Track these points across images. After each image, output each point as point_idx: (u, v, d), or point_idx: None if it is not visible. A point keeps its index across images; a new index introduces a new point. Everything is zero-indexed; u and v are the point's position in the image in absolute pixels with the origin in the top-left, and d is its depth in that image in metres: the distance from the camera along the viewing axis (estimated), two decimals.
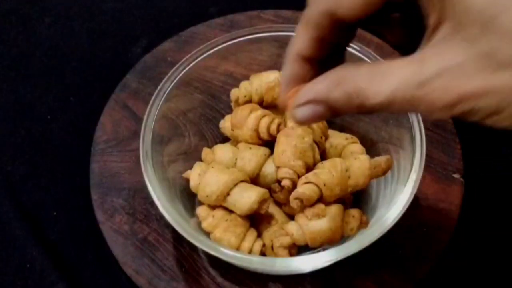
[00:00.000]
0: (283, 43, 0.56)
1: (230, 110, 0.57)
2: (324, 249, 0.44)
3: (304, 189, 0.45)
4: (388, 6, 0.30)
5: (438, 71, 0.25)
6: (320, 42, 0.32)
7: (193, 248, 0.53)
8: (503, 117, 0.25)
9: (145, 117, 0.49)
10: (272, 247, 0.48)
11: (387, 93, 0.27)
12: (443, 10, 0.26)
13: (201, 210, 0.49)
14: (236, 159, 0.51)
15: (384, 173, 0.48)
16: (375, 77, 0.28)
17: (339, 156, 0.53)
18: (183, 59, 0.53)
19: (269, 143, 0.51)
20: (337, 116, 0.31)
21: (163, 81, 0.51)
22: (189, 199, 0.52)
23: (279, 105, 0.35)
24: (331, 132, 0.55)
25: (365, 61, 0.36)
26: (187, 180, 0.49)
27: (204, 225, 0.48)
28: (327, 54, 0.34)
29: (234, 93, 0.55)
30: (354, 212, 0.46)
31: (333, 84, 0.30)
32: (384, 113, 0.30)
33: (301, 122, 0.32)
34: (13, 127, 0.66)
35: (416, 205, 0.55)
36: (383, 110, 0.28)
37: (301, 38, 0.33)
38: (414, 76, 0.26)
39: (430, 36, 0.27)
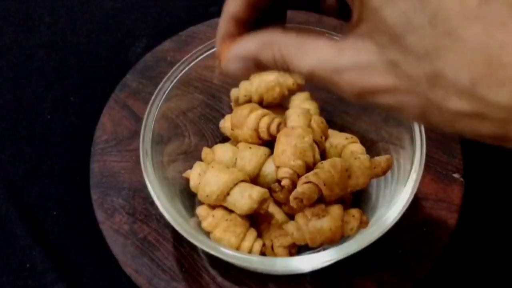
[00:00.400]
0: None
1: (230, 110, 0.57)
2: (324, 249, 0.44)
3: (304, 189, 0.45)
4: None
5: (351, 64, 0.29)
6: (251, 6, 0.35)
7: (193, 248, 0.53)
8: (404, 116, 0.29)
9: (145, 116, 0.49)
10: (272, 247, 0.48)
11: (308, 68, 0.30)
12: (363, 12, 0.28)
13: (201, 210, 0.49)
14: (236, 158, 0.51)
15: (384, 172, 0.48)
16: (299, 49, 0.31)
17: (339, 155, 0.53)
18: (183, 59, 0.52)
19: (269, 143, 0.51)
20: (264, 71, 0.35)
21: (163, 80, 0.51)
22: (189, 198, 0.52)
23: (216, 57, 0.38)
24: (331, 131, 0.55)
25: (291, 28, 0.38)
26: (187, 180, 0.49)
27: (204, 224, 0.48)
28: (261, 16, 0.36)
29: (234, 92, 0.55)
30: (354, 212, 0.46)
31: (262, 46, 0.33)
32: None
33: (233, 75, 0.36)
34: (13, 127, 0.66)
35: (416, 204, 0.55)
36: (307, 79, 0.31)
37: (234, 1, 0.35)
38: (332, 61, 0.29)
39: (352, 29, 0.30)
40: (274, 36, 0.32)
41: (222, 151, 0.52)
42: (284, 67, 0.32)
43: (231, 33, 0.36)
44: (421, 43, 0.26)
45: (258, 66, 0.33)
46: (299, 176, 0.47)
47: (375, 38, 0.28)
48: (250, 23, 0.36)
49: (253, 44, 0.33)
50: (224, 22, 0.36)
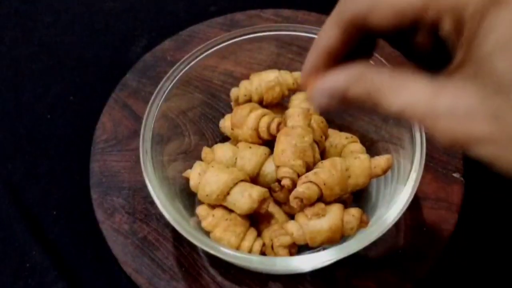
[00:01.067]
0: (283, 42, 0.56)
1: (230, 110, 0.57)
2: (324, 249, 0.44)
3: (304, 189, 0.45)
4: (415, 30, 0.31)
5: (448, 109, 0.27)
6: (347, 42, 0.33)
7: (193, 247, 0.53)
8: (499, 166, 0.27)
9: (145, 116, 0.49)
10: (272, 247, 0.48)
11: (399, 105, 0.28)
12: (470, 55, 0.27)
13: (201, 210, 0.49)
14: (236, 158, 0.51)
15: (384, 172, 0.48)
16: (393, 84, 0.29)
17: (339, 155, 0.53)
18: (183, 58, 0.52)
19: (269, 143, 0.51)
20: (351, 107, 0.33)
21: (163, 80, 0.51)
22: (189, 198, 0.52)
23: (301, 87, 0.37)
24: (331, 131, 0.55)
25: (385, 65, 0.37)
26: (187, 180, 0.49)
27: (204, 224, 0.48)
28: (351, 51, 0.35)
29: (234, 92, 0.55)
30: (354, 211, 0.46)
31: (353, 78, 0.31)
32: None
33: (320, 109, 0.35)
34: (13, 126, 0.66)
35: (416, 204, 0.55)
36: (394, 117, 0.29)
37: (329, 33, 0.34)
38: (427, 103, 0.27)
39: (453, 71, 0.28)
40: (367, 70, 0.31)
41: (222, 150, 0.52)
42: (373, 103, 0.30)
43: (320, 66, 0.35)
44: None
45: (345, 102, 0.32)
46: (299, 176, 0.47)
47: (480, 85, 0.26)
48: (341, 57, 0.34)
49: (344, 77, 0.32)
50: (316, 54, 0.35)
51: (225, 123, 0.55)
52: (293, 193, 0.45)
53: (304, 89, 0.36)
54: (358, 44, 0.34)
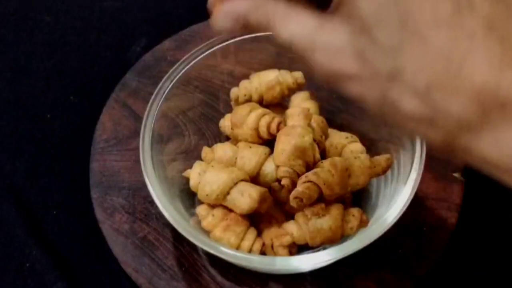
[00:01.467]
0: None
1: (230, 109, 0.57)
2: (324, 248, 0.44)
3: (304, 188, 0.45)
4: None
5: (324, 43, 0.29)
6: None
7: (193, 247, 0.53)
8: (366, 106, 0.29)
9: (145, 116, 0.49)
10: (272, 246, 0.48)
11: (287, 35, 0.31)
12: None
13: (201, 209, 0.49)
14: (236, 158, 0.51)
15: (384, 172, 0.48)
16: (285, 15, 0.31)
17: (339, 155, 0.53)
18: (183, 58, 0.52)
19: (269, 142, 0.51)
20: (253, 31, 0.36)
21: (163, 80, 0.51)
22: (189, 198, 0.52)
23: (208, 7, 0.38)
24: (331, 131, 0.55)
25: None
26: (187, 179, 0.49)
27: (204, 224, 0.48)
28: None
29: (234, 92, 0.55)
30: (354, 211, 0.46)
31: (252, 6, 0.33)
32: None
33: (220, 31, 0.36)
34: (13, 126, 0.66)
35: (416, 204, 0.54)
36: (287, 47, 0.31)
37: None
38: (309, 35, 0.30)
39: (334, 10, 0.30)
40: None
41: (222, 150, 0.52)
42: (268, 30, 0.32)
43: None
44: (388, 38, 0.26)
45: (246, 26, 0.34)
46: (299, 176, 0.47)
47: (350, 24, 0.28)
48: None
49: (245, 3, 0.34)
50: None
51: (225, 123, 0.55)
52: (293, 192, 0.45)
53: (210, 11, 0.37)
54: None
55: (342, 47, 0.28)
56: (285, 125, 0.50)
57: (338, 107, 0.59)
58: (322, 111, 0.56)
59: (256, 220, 0.50)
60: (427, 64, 0.26)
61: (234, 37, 0.54)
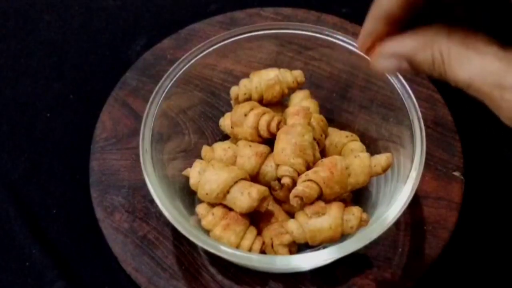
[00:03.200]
0: (283, 40, 0.56)
1: (230, 108, 0.57)
2: (324, 247, 0.44)
3: (304, 187, 0.45)
4: None
5: None
6: (409, 4, 0.32)
7: (193, 246, 0.53)
8: None
9: (144, 114, 0.49)
10: (272, 245, 0.48)
11: (466, 77, 0.28)
12: None
13: (200, 208, 0.49)
14: (236, 157, 0.50)
15: (384, 171, 0.48)
16: (462, 54, 0.28)
17: (339, 154, 0.53)
18: (183, 57, 0.52)
19: (269, 141, 0.51)
20: (417, 74, 0.32)
21: (163, 78, 0.51)
22: (188, 197, 0.52)
23: (359, 49, 0.36)
24: (331, 129, 0.55)
25: (457, 28, 0.35)
26: (187, 178, 0.49)
27: (204, 223, 0.48)
28: (411, 17, 0.33)
29: (234, 90, 0.55)
30: (354, 210, 0.46)
31: (420, 45, 0.30)
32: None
33: (381, 71, 0.34)
34: (12, 125, 0.66)
35: (416, 203, 0.55)
36: (460, 88, 0.29)
37: None
38: (498, 75, 0.27)
39: None
40: (438, 36, 0.30)
41: (222, 149, 0.52)
42: (440, 72, 0.30)
43: (380, 31, 0.33)
44: None
45: (412, 66, 0.31)
46: (299, 174, 0.47)
47: None
48: (402, 23, 0.33)
49: (412, 42, 0.31)
50: (374, 19, 0.33)
51: (225, 122, 0.54)
52: (293, 191, 0.45)
53: (362, 51, 0.35)
54: (422, 11, 0.33)
55: None
56: (285, 124, 0.50)
57: (338, 106, 0.59)
58: (322, 110, 0.56)
59: (256, 219, 0.50)
60: None
61: (234, 36, 0.54)
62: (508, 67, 0.27)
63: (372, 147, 0.54)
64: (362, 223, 0.46)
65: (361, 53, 0.37)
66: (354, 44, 0.52)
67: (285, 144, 0.47)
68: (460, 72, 0.28)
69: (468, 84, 0.28)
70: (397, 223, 0.43)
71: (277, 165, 0.48)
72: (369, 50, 0.35)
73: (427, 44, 0.30)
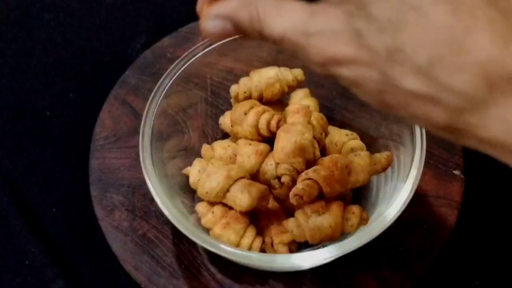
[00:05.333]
0: None
1: (230, 107, 0.57)
2: (324, 246, 0.44)
3: (304, 186, 0.45)
4: None
5: (319, 29, 0.28)
6: None
7: (193, 244, 0.53)
8: (362, 93, 0.29)
9: (144, 113, 0.49)
10: (272, 244, 0.48)
11: (279, 30, 0.30)
12: None
13: (200, 207, 0.49)
14: (235, 155, 0.50)
15: (384, 169, 0.48)
16: (275, 10, 0.30)
17: (339, 152, 0.53)
18: (183, 55, 0.52)
19: (269, 140, 0.51)
20: (244, 37, 0.34)
21: (163, 77, 0.51)
22: (188, 195, 0.52)
23: (197, 11, 0.36)
24: (331, 128, 0.55)
25: None
26: (187, 177, 0.49)
27: (204, 221, 0.48)
28: None
29: (234, 89, 0.55)
30: (354, 208, 0.46)
31: (241, 5, 0.32)
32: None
33: (210, 35, 0.35)
34: (12, 123, 0.66)
35: (416, 201, 0.54)
36: (277, 45, 0.31)
37: None
38: (303, 24, 0.29)
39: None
40: None
41: (222, 147, 0.52)
42: (258, 29, 0.31)
43: None
44: (386, 14, 0.26)
45: (236, 27, 0.33)
46: (299, 173, 0.47)
47: (344, 5, 0.28)
48: None
49: (234, 2, 0.33)
50: None
51: (225, 120, 0.54)
52: (293, 190, 0.45)
53: (199, 14, 0.36)
54: None
55: (338, 31, 0.28)
56: (285, 122, 0.50)
57: (338, 105, 0.59)
58: (322, 108, 0.56)
59: (256, 217, 0.50)
60: (428, 39, 0.25)
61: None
62: (311, 16, 0.29)
63: (372, 146, 0.54)
64: (362, 222, 0.46)
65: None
66: None
67: (285, 142, 0.47)
68: (274, 26, 0.30)
69: (281, 37, 0.30)
70: (397, 222, 0.42)
71: (277, 164, 0.48)
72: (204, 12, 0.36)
73: (246, 3, 0.32)
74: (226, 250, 0.42)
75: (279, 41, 0.30)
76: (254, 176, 0.50)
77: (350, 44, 0.27)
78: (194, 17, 0.70)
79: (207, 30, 0.35)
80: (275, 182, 0.49)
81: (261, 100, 0.54)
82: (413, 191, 0.43)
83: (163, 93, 0.50)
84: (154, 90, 0.50)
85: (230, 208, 0.48)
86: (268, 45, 0.56)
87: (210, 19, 0.34)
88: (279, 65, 0.55)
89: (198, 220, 0.49)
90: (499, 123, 0.25)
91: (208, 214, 0.48)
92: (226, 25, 0.33)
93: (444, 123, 0.27)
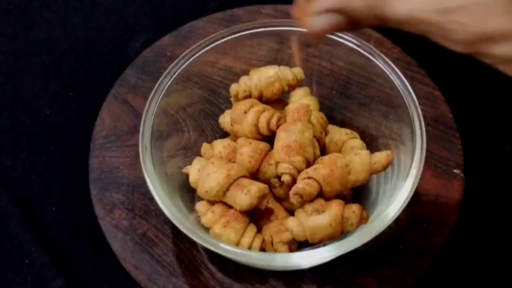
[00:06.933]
0: (282, 38, 0.56)
1: (229, 105, 0.57)
2: (324, 245, 0.44)
3: (304, 185, 0.45)
4: None
5: (463, 3, 0.25)
6: None
7: (193, 243, 0.53)
8: None
9: (144, 112, 0.49)
10: (272, 243, 0.48)
11: (406, 10, 0.27)
12: None
13: (200, 206, 0.49)
14: (235, 154, 0.50)
15: (384, 168, 0.48)
16: None
17: (339, 151, 0.53)
18: (183, 54, 0.52)
19: (269, 138, 0.51)
20: (355, 27, 0.31)
21: (163, 76, 0.51)
22: (188, 194, 0.52)
23: (295, 17, 0.35)
24: (331, 127, 0.55)
25: None
26: (187, 176, 0.49)
27: (204, 220, 0.48)
28: None
29: (234, 88, 0.55)
30: (354, 207, 0.46)
31: None
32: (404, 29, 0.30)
33: (318, 33, 0.33)
34: (12, 123, 0.66)
35: (416, 200, 0.55)
36: (401, 26, 0.28)
37: None
38: (437, 1, 0.26)
39: None
40: None
41: (222, 146, 0.51)
42: (378, 14, 0.29)
43: None
44: None
45: (348, 17, 0.30)
46: (299, 172, 0.47)
47: None
48: None
49: None
50: None
51: (225, 119, 0.54)
52: (293, 189, 0.45)
53: (300, 23, 0.34)
54: None
55: (488, 3, 0.25)
56: (285, 121, 0.50)
57: (338, 103, 0.59)
58: (322, 107, 0.56)
59: (256, 216, 0.50)
60: None
61: (234, 33, 0.54)
62: None
63: (372, 145, 0.54)
64: (362, 221, 0.46)
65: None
66: (354, 41, 0.52)
67: (285, 141, 0.47)
68: (399, 8, 0.28)
69: (409, 18, 0.28)
70: (397, 221, 0.42)
71: (277, 163, 0.48)
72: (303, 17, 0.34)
73: None
74: (226, 249, 0.42)
75: (404, 22, 0.28)
76: (254, 175, 0.50)
77: (504, 18, 0.24)
78: (194, 15, 0.70)
79: (315, 27, 0.33)
80: (275, 181, 0.49)
81: (261, 99, 0.54)
82: (413, 190, 0.44)
83: (163, 92, 0.50)
84: (154, 89, 0.50)
85: (230, 207, 0.48)
86: (268, 44, 0.57)
87: (317, 15, 0.32)
88: (279, 64, 0.55)
89: (198, 219, 0.49)
90: None
91: (208, 213, 0.48)
92: (337, 18, 0.31)
93: None
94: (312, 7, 0.32)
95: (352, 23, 0.31)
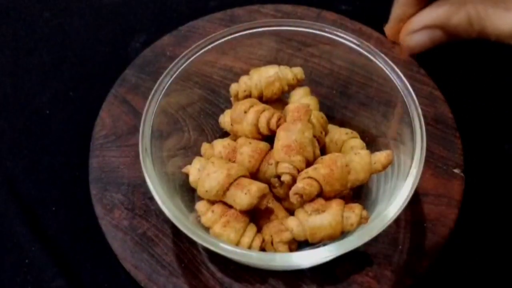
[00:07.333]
0: (282, 37, 0.56)
1: (229, 105, 0.57)
2: (324, 245, 0.44)
3: (304, 184, 0.45)
4: None
5: None
6: None
7: (193, 243, 0.53)
8: None
9: (144, 112, 0.49)
10: (271, 243, 0.48)
11: (508, 25, 0.28)
12: None
13: (200, 205, 0.49)
14: (235, 154, 0.50)
15: (384, 168, 0.48)
16: (500, 5, 0.28)
17: (339, 151, 0.53)
18: (183, 54, 0.52)
19: (269, 138, 0.51)
20: (452, 40, 0.32)
21: (163, 75, 0.51)
22: (188, 194, 0.52)
23: (388, 36, 0.35)
24: (331, 127, 0.55)
25: None
26: (187, 175, 0.49)
27: (204, 220, 0.48)
28: None
29: (234, 88, 0.55)
30: (354, 207, 0.46)
31: (454, 7, 0.30)
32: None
33: (415, 49, 0.33)
34: (12, 122, 0.66)
35: (416, 200, 0.55)
36: (502, 40, 0.29)
37: None
38: None
39: None
40: None
41: (222, 146, 0.51)
42: (479, 30, 0.29)
43: (409, 14, 0.33)
44: None
45: (448, 32, 0.31)
46: (299, 172, 0.47)
47: None
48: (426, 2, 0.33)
49: (442, 9, 0.31)
50: (403, 3, 0.34)
51: (225, 119, 0.54)
52: (293, 188, 0.45)
53: (393, 38, 0.35)
54: None
55: None
56: (285, 121, 0.50)
57: (338, 103, 0.59)
58: (322, 107, 0.56)
59: (256, 216, 0.50)
60: None
61: (234, 33, 0.54)
62: None
63: (372, 144, 0.54)
64: (362, 221, 0.46)
65: (390, 40, 0.36)
66: (354, 41, 0.52)
67: (285, 141, 0.47)
68: (502, 23, 0.28)
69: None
70: (397, 220, 0.43)
71: (277, 162, 0.48)
72: (397, 35, 0.35)
73: (459, 6, 0.30)
74: (226, 249, 0.42)
75: (508, 37, 0.29)
76: (254, 174, 0.50)
77: None
78: (194, 15, 0.70)
79: (413, 44, 0.33)
80: (275, 181, 0.49)
81: (261, 98, 0.54)
82: (413, 189, 0.43)
83: (163, 91, 0.50)
84: (154, 88, 0.50)
85: (230, 206, 0.48)
86: (268, 44, 0.57)
87: (415, 32, 0.32)
88: (279, 64, 0.55)
89: (198, 219, 0.49)
90: None
91: (208, 213, 0.48)
92: (436, 34, 0.32)
93: None
94: (409, 25, 0.33)
95: (450, 36, 0.31)
